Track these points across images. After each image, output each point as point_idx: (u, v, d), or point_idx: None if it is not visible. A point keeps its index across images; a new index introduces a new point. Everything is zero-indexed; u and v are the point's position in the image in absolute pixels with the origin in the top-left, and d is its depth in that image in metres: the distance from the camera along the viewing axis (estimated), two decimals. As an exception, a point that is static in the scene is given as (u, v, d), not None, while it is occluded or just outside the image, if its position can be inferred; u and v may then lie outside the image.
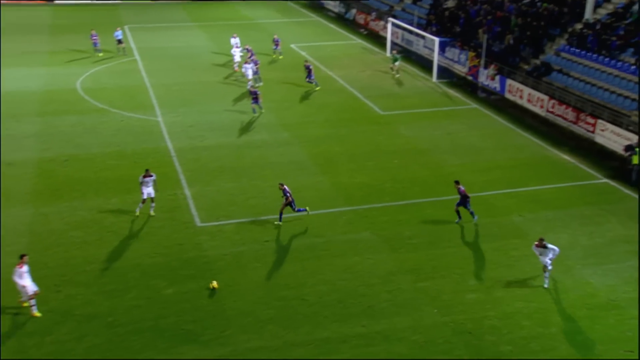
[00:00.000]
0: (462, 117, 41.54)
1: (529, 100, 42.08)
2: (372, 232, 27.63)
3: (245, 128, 38.86)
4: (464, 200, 27.74)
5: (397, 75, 49.11)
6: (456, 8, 56.55)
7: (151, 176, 28.49)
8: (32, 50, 55.87)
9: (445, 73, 49.53)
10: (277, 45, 54.24)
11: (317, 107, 42.56)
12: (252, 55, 48.65)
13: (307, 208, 28.36)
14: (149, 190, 28.51)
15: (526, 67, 45.60)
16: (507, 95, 44.11)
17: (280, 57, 54.14)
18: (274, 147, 36.32)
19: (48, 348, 20.78)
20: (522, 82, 43.22)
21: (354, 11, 69.59)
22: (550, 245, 23.21)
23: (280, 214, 27.82)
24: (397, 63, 49.43)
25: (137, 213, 28.68)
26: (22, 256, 22.15)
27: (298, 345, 20.78)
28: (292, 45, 58.33)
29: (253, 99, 40.15)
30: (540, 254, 23.50)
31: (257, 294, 23.36)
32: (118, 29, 55.16)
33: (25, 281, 21.72)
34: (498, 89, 45.09)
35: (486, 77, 46.17)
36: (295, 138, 37.43)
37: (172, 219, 28.52)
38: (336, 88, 46.78)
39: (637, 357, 20.03)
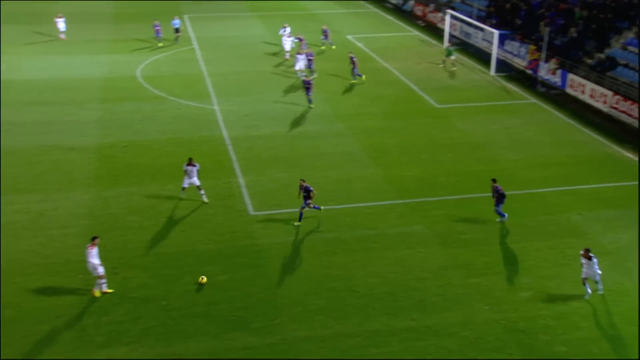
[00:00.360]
0: (520, 111, 40.92)
1: (591, 96, 41.18)
2: (424, 225, 27.48)
3: (300, 118, 38.98)
4: (500, 200, 27.27)
5: (454, 68, 48.64)
6: (518, 0, 55.58)
7: (194, 165, 28.73)
8: (96, 38, 56.87)
9: (503, 66, 48.86)
10: (326, 36, 54.07)
11: (372, 99, 42.42)
12: (304, 46, 48.78)
13: (322, 207, 28.15)
14: (191, 180, 28.79)
15: (589, 61, 44.57)
16: (568, 90, 43.25)
17: (333, 47, 53.95)
18: (327, 137, 36.35)
19: (105, 328, 21.29)
20: (584, 77, 42.30)
21: (411, 3, 69.05)
22: (595, 259, 22.40)
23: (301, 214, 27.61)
24: (452, 57, 48.96)
25: (183, 196, 29.19)
26: (93, 238, 22.85)
27: (347, 336, 20.84)
28: (349, 37, 58.19)
29: (306, 89, 40.09)
30: (585, 266, 22.54)
31: (308, 283, 23.48)
32: (176, 17, 55.78)
33: (96, 260, 22.42)
34: (559, 83, 44.24)
35: (547, 71, 45.36)
36: (349, 129, 37.40)
37: (226, 207, 28.83)
38: (391, 80, 46.55)
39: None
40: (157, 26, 54.48)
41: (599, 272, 22.34)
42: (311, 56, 46.50)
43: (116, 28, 60.98)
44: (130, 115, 39.22)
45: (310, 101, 40.30)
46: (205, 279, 23.23)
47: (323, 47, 54.14)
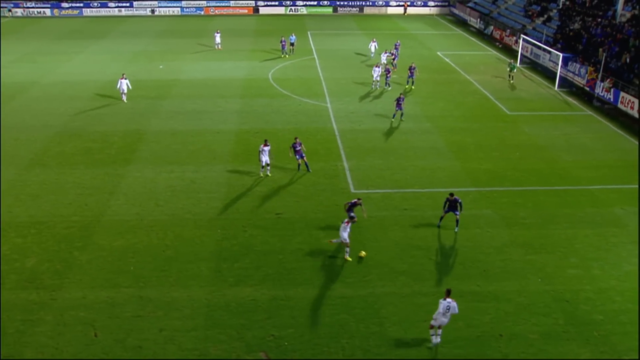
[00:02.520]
0: (577, 121, 38.98)
1: (639, 111, 38.84)
2: (492, 210, 26.69)
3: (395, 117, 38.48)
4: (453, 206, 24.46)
5: (512, 81, 46.94)
6: (580, 29, 52.95)
7: (268, 146, 28.69)
8: (239, 48, 57.88)
9: (566, 83, 46.68)
10: (396, 49, 52.13)
11: (455, 104, 41.39)
12: (395, 56, 49.21)
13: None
14: (266, 158, 28.78)
15: (638, 82, 42.03)
16: (620, 106, 40.89)
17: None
18: (417, 134, 35.75)
19: (236, 272, 21.85)
20: (634, 95, 39.90)
21: (491, 27, 66.88)
22: None
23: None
24: (515, 70, 47.35)
25: (262, 174, 29.24)
26: (351, 217, 23.45)
27: (423, 294, 20.57)
28: (438, 53, 56.94)
29: (398, 103, 37.44)
30: None
31: (394, 250, 23.25)
32: (292, 34, 55.95)
33: (345, 234, 22.20)
34: (612, 99, 41.90)
35: (602, 89, 43.05)
36: (436, 128, 36.65)
37: (333, 185, 28.85)
38: (472, 90, 45.28)
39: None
40: (283, 42, 54.77)
41: None
42: (388, 71, 44.63)
43: (255, 41, 61.91)
44: (262, 109, 39.76)
45: (394, 115, 37.83)
46: (364, 254, 22.93)
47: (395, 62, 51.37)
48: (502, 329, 19.20)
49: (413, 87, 44.88)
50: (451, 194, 24.51)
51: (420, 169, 30.73)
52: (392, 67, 48.47)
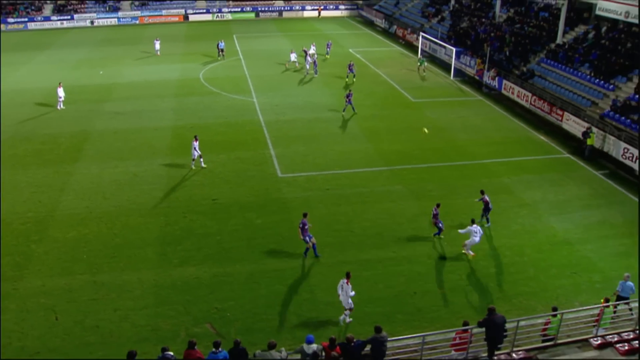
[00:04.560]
0: (470, 105, 40.25)
1: (518, 96, 40.49)
2: (403, 185, 27.23)
3: (315, 108, 38.46)
4: (487, 209, 23.72)
5: (424, 74, 48.02)
6: (468, 27, 54.69)
7: (196, 141, 28.21)
8: (172, 52, 56.17)
9: (459, 73, 48.05)
10: (328, 47, 53.38)
11: (367, 94, 41.81)
12: (307, 55, 48.97)
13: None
14: (198, 152, 28.26)
15: (517, 72, 43.85)
16: (503, 92, 42.49)
17: (328, 57, 53.06)
18: (335, 122, 35.91)
19: (179, 254, 21.45)
20: (514, 83, 41.55)
21: (395, 27, 67.83)
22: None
23: None
24: (424, 64, 48.47)
25: (193, 167, 28.51)
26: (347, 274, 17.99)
27: (347, 263, 20.77)
28: (350, 50, 57.26)
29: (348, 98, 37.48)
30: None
31: (319, 225, 23.33)
32: (221, 40, 53.97)
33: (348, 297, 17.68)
34: (497, 86, 43.45)
35: (489, 78, 44.60)
36: (350, 115, 36.87)
37: (262, 171, 28.63)
38: (380, 81, 45.89)
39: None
40: (220, 45, 53.34)
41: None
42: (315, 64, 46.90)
43: (186, 45, 60.27)
44: (195, 106, 38.84)
45: (345, 109, 37.38)
46: (427, 130, 22.53)
47: (327, 57, 53.12)
48: (416, 287, 19.70)
49: (354, 80, 44.93)
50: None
51: (339, 152, 30.92)
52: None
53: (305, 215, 20.98)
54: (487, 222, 23.76)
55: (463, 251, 21.58)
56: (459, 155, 30.79)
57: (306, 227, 20.66)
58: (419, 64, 48.92)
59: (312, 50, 51.03)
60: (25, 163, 29.49)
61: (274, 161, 29.82)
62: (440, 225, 22.47)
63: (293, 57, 49.88)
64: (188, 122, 35.61)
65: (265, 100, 40.26)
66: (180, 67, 49.75)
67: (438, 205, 22.65)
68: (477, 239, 20.95)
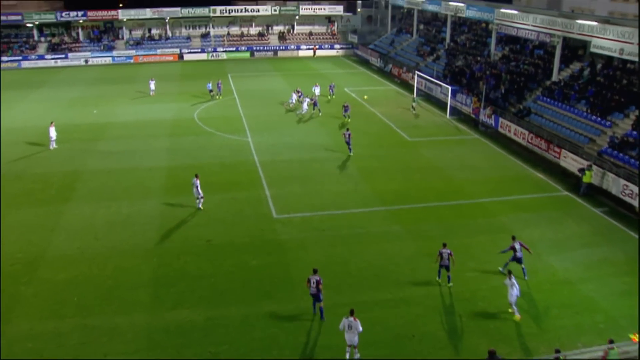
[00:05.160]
0: (467, 144, 40.87)
1: (515, 133, 41.04)
2: (400, 226, 27.43)
3: (310, 148, 38.92)
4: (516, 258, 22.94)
5: (414, 112, 48.93)
6: (464, 66, 55.92)
7: (197, 179, 28.46)
8: (167, 92, 56.95)
9: (455, 111, 48.83)
10: (331, 89, 54.22)
11: (362, 134, 42.30)
12: (301, 95, 49.82)
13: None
14: (201, 193, 28.51)
15: (513, 109, 44.62)
16: (500, 130, 43.07)
17: (333, 97, 53.92)
18: (330, 161, 36.31)
19: (173, 296, 21.44)
20: (510, 120, 42.15)
21: (390, 66, 69.16)
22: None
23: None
24: (415, 104, 49.84)
25: (201, 207, 28.70)
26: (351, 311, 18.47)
27: (343, 305, 20.64)
28: (345, 89, 58.24)
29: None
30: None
31: (316, 267, 23.36)
32: (210, 81, 54.35)
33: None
34: (493, 124, 44.06)
35: (485, 116, 45.33)
36: (346, 156, 37.35)
37: (257, 212, 28.81)
38: (376, 120, 46.58)
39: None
40: (219, 84, 54.30)
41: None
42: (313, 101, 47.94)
43: (181, 84, 61.19)
44: (189, 145, 39.28)
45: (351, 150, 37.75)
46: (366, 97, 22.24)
47: (332, 97, 53.47)
48: (414, 329, 19.70)
49: (349, 120, 45.47)
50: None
51: (335, 193, 31.21)
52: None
53: (315, 271, 20.29)
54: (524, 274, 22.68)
55: (510, 310, 20.61)
56: (457, 195, 31.11)
57: (320, 285, 19.82)
58: (413, 102, 49.98)
59: (317, 92, 51.38)
60: (16, 203, 29.65)
61: (269, 202, 30.04)
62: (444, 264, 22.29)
63: (294, 98, 50.16)
64: (182, 162, 35.96)
65: (261, 140, 40.77)
66: (175, 107, 50.45)
67: (444, 245, 22.42)
68: (516, 292, 20.00)
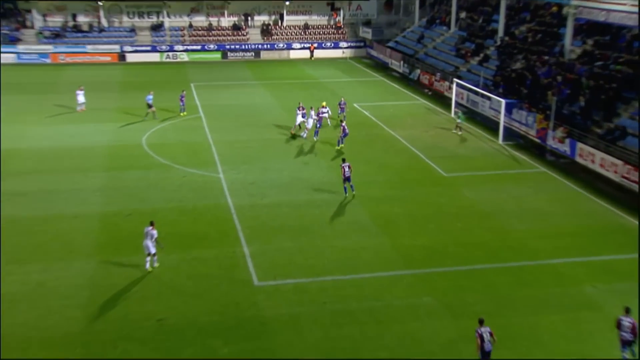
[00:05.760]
0: (529, 180, 40.95)
1: (601, 165, 41.11)
2: (433, 297, 27.17)
3: (306, 186, 39.01)
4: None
5: (460, 134, 49.15)
6: (524, 69, 56.27)
7: (153, 228, 28.63)
8: (102, 107, 57.41)
9: (511, 135, 49.12)
10: (342, 108, 53.74)
11: (379, 167, 42.49)
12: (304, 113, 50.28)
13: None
14: (150, 244, 28.55)
15: (599, 130, 44.75)
16: (578, 159, 43.27)
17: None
18: (334, 206, 36.29)
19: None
20: (594, 146, 42.31)
21: (418, 71, 69.97)
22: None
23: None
24: (461, 120, 50.20)
25: (149, 268, 28.86)
26: None
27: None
28: (355, 105, 58.69)
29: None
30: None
31: (314, 357, 23.04)
32: (150, 92, 54.49)
33: None
34: (568, 152, 44.32)
35: (555, 140, 45.53)
36: (357, 198, 37.31)
37: (230, 277, 28.56)
38: (399, 148, 46.77)
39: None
40: (182, 96, 54.97)
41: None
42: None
43: (122, 96, 61.72)
44: (134, 183, 39.33)
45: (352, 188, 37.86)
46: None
47: (340, 119, 52.23)
48: None
49: (343, 145, 45.97)
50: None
51: (340, 250, 31.05)
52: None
53: None
54: None
55: None
56: (514, 253, 30.90)
57: None
58: (457, 120, 50.21)
59: (326, 114, 51.26)
60: None
61: (248, 263, 29.81)
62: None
63: (299, 119, 49.75)
64: (124, 206, 35.87)
65: (237, 176, 40.82)
66: (113, 128, 50.74)
67: (481, 322, 22.22)
68: None
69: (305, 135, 48.17)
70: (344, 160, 37.68)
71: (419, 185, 39.82)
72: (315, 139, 47.75)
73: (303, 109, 49.98)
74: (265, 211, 35.53)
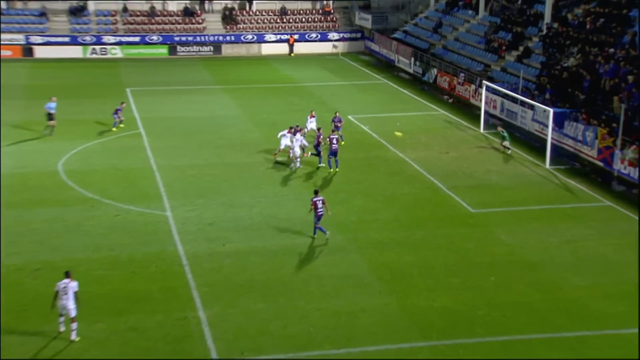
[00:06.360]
0: (589, 218, 41.04)
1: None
2: (459, 379, 27.04)
3: (285, 227, 38.91)
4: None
5: (509, 153, 50.01)
6: (579, 67, 56.24)
7: (71, 279, 28.53)
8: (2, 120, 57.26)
9: (563, 156, 49.33)
10: (337, 125, 54.02)
11: (383, 201, 42.47)
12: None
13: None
14: (67, 304, 28.34)
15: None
16: (655, 189, 43.57)
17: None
18: (322, 254, 36.21)
19: None
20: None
21: (434, 72, 70.19)
22: None
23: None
24: (507, 142, 50.77)
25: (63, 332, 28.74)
26: None
27: None
28: (350, 117, 58.83)
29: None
30: None
31: None
32: (52, 98, 54.91)
33: None
34: (641, 179, 44.54)
35: (624, 163, 45.56)
36: (352, 243, 37.35)
37: (181, 353, 28.25)
38: (409, 175, 46.84)
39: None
40: (119, 110, 55.30)
41: None
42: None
43: (29, 105, 61.58)
44: (47, 225, 39.10)
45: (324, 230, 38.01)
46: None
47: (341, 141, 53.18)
48: None
49: (337, 169, 46.66)
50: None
51: (331, 314, 30.86)
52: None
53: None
54: None
55: None
56: (571, 319, 30.80)
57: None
58: (503, 142, 50.86)
59: (312, 125, 51.98)
60: None
61: (205, 333, 29.50)
62: None
63: (284, 142, 49.77)
64: (31, 258, 35.59)
65: (190, 214, 40.80)
66: (16, 150, 50.75)
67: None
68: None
69: (293, 167, 47.78)
70: (316, 193, 37.56)
71: (438, 225, 39.83)
72: (320, 165, 47.76)
73: (301, 129, 49.84)
74: (228, 262, 35.37)
